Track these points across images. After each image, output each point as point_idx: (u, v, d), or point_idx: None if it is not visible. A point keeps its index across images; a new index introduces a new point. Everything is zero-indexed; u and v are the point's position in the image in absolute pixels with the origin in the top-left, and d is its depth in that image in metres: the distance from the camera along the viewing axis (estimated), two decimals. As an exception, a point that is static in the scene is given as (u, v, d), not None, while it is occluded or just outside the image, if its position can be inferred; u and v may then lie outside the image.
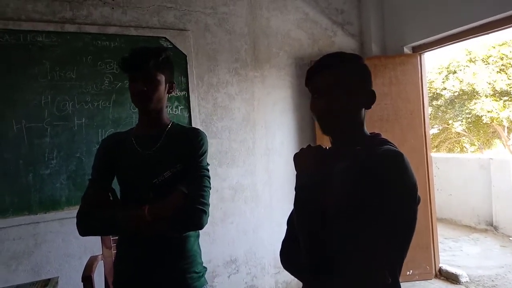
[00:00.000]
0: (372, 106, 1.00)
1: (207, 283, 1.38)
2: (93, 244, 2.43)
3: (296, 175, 1.01)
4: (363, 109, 0.99)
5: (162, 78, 1.29)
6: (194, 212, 1.22)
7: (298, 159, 1.02)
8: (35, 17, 2.46)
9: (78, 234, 2.53)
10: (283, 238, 1.08)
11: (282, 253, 1.07)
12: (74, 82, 2.54)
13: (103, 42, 2.63)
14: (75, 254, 2.51)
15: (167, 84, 1.33)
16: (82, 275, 1.95)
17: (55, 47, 2.49)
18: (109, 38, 2.64)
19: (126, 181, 1.34)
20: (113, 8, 2.68)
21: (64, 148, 2.51)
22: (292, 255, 1.02)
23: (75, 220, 2.55)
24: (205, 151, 1.33)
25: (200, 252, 1.39)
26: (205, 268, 1.39)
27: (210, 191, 1.29)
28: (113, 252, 2.17)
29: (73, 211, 2.47)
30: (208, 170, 1.32)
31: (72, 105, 2.54)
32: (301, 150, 1.03)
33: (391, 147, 0.93)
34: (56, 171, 2.48)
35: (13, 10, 2.41)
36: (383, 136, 1.01)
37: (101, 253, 2.18)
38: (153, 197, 1.24)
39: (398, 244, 0.88)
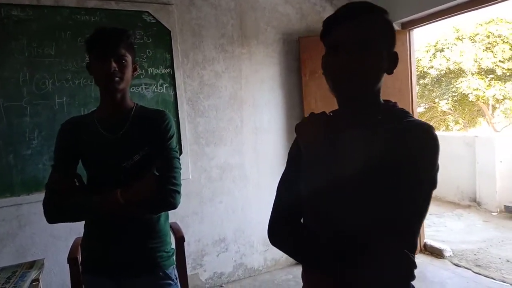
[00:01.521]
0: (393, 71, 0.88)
1: (175, 263, 1.40)
2: (79, 225, 2.37)
3: (303, 148, 0.90)
4: (388, 73, 0.87)
5: (129, 59, 1.28)
6: (167, 193, 1.23)
7: (303, 129, 0.91)
8: (9, -11, 2.32)
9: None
10: (271, 211, 1.01)
11: (273, 231, 0.98)
12: (53, 58, 2.44)
13: (83, 17, 2.51)
14: (60, 235, 2.47)
15: (133, 66, 1.32)
16: (68, 256, 1.92)
17: (31, 22, 2.37)
18: (89, 12, 2.53)
19: (93, 165, 1.32)
20: (92, -20, 2.55)
21: (45, 128, 2.43)
22: (286, 234, 0.94)
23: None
24: (173, 134, 1.33)
25: (170, 233, 1.41)
26: (173, 249, 1.41)
27: (181, 171, 1.31)
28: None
29: (57, 192, 2.42)
30: (177, 152, 1.33)
31: (52, 83, 2.44)
32: (304, 119, 0.92)
33: (417, 119, 0.85)
34: (38, 151, 2.41)
35: (-15, -18, 2.27)
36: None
37: (87, 234, 2.15)
38: (124, 181, 1.23)
39: (413, 229, 0.82)
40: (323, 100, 3.24)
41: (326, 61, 0.86)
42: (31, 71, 2.38)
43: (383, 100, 0.91)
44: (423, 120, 0.93)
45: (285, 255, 3.31)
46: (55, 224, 2.49)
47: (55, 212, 1.27)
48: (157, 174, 1.23)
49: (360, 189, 0.79)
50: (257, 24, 3.14)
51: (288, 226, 0.94)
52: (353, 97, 0.85)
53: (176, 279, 1.38)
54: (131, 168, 1.26)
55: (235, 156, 3.12)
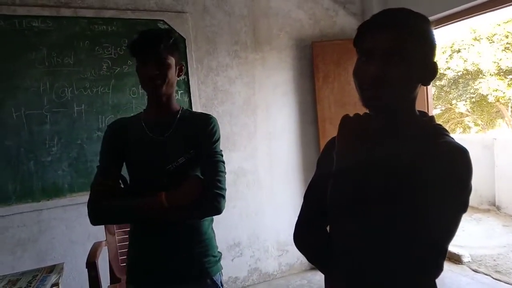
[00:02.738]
0: (430, 82, 0.84)
1: (222, 268, 1.36)
2: (97, 230, 2.44)
3: (337, 153, 0.85)
4: (423, 84, 0.83)
5: (172, 61, 1.26)
6: (213, 197, 1.20)
7: (346, 128, 0.85)
8: (30, 1, 2.41)
9: (81, 220, 2.55)
10: (298, 216, 0.98)
11: (298, 237, 0.96)
12: (72, 68, 2.51)
13: (100, 27, 2.58)
14: (79, 240, 2.53)
15: (177, 67, 1.30)
16: (87, 261, 1.97)
17: (51, 32, 2.45)
18: (106, 22, 2.59)
19: (138, 167, 1.30)
20: (109, -9, 2.62)
21: (64, 135, 2.50)
22: (311, 241, 0.93)
23: (77, 207, 2.57)
24: (219, 137, 1.31)
25: (215, 235, 1.37)
26: (220, 253, 1.37)
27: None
28: (116, 238, 2.18)
29: (76, 198, 2.50)
30: (222, 156, 1.30)
31: (71, 91, 2.51)
32: (350, 118, 0.85)
33: (453, 140, 0.80)
34: (57, 158, 2.48)
35: (7, -5, 2.36)
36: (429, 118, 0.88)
37: (105, 239, 2.20)
38: (167, 184, 1.22)
39: (438, 253, 0.79)
40: (336, 105, 3.24)
41: (356, 67, 0.84)
42: (51, 80, 2.45)
43: (419, 111, 0.87)
44: (439, 122, 0.89)
45: (299, 260, 3.31)
46: (74, 230, 2.57)
47: (99, 214, 1.25)
48: (202, 177, 1.22)
49: (385, 207, 0.77)
50: (270, 30, 3.17)
51: (311, 234, 0.93)
52: (378, 107, 0.82)
53: (222, 286, 1.34)
54: (175, 171, 1.24)
55: (249, 161, 3.14)
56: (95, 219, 1.26)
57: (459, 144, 0.77)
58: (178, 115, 1.32)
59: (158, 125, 1.30)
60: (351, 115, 0.86)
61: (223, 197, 1.22)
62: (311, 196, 0.97)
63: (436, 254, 0.77)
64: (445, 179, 0.73)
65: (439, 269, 0.78)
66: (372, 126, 0.83)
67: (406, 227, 0.74)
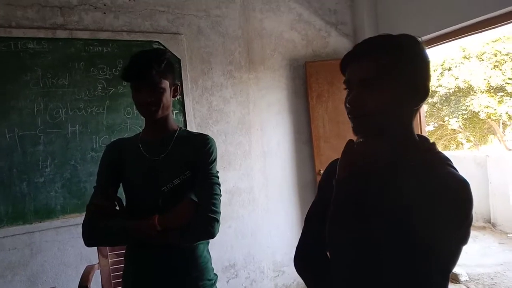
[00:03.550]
0: (422, 104, 0.83)
1: None
2: (90, 253, 2.40)
3: (338, 181, 0.84)
4: (414, 110, 0.82)
5: (166, 84, 1.24)
6: (206, 221, 1.19)
7: (349, 158, 0.84)
8: (25, 23, 2.43)
9: (73, 242, 2.50)
10: (299, 240, 0.97)
11: (299, 261, 0.95)
12: (66, 88, 2.51)
13: (96, 48, 2.60)
14: (71, 263, 2.48)
15: (172, 88, 1.28)
16: (79, 284, 1.93)
17: (46, 54, 2.46)
18: (102, 43, 2.62)
19: (133, 188, 1.30)
20: (104, 13, 2.65)
21: (58, 156, 2.48)
22: (312, 262, 0.91)
23: (70, 228, 2.53)
24: (215, 158, 1.29)
25: (211, 258, 1.36)
26: (216, 275, 1.35)
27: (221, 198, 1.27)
28: (109, 261, 2.14)
29: (69, 220, 2.47)
30: (218, 178, 1.28)
31: (65, 112, 2.51)
32: (358, 143, 0.85)
33: (455, 171, 0.77)
34: (51, 179, 2.45)
35: (3, 17, 2.38)
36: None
37: (98, 262, 2.16)
38: (162, 205, 1.21)
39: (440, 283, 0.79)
40: (330, 123, 3.26)
41: (345, 98, 0.84)
42: (46, 101, 2.45)
43: (419, 136, 0.86)
44: (431, 139, 0.86)
45: (296, 281, 3.26)
46: (66, 253, 2.52)
47: (92, 235, 1.23)
48: (195, 200, 1.21)
49: (385, 242, 0.76)
50: (263, 50, 3.21)
51: (312, 259, 0.92)
52: (364, 136, 0.83)
53: None
54: (170, 193, 1.23)
55: (244, 180, 3.13)
56: (88, 240, 1.24)
57: (461, 176, 0.75)
58: (175, 135, 1.31)
59: (154, 146, 1.29)
60: (355, 140, 0.85)
61: (217, 221, 1.20)
62: (312, 221, 0.96)
63: (437, 282, 0.77)
64: (446, 212, 0.72)
65: None
66: (372, 156, 0.83)
67: (406, 259, 0.73)
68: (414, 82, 0.80)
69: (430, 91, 0.82)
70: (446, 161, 0.80)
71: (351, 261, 0.81)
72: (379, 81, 0.78)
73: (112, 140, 1.40)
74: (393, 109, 0.79)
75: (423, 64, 0.81)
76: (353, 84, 0.82)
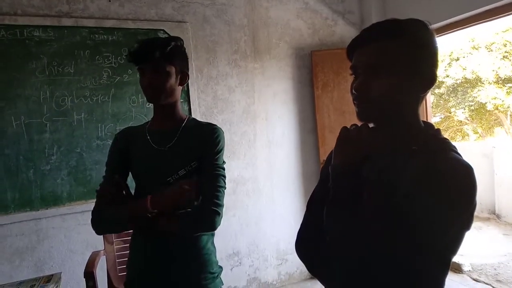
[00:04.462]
0: (428, 91, 0.82)
1: (223, 284, 1.33)
2: (95, 239, 2.43)
3: (333, 166, 0.84)
4: (420, 96, 0.81)
5: (172, 69, 1.21)
6: (208, 213, 1.17)
7: (343, 144, 0.84)
8: (31, 11, 2.43)
9: (80, 229, 2.54)
10: (300, 224, 0.97)
11: (300, 245, 0.96)
12: (72, 76, 2.52)
13: (101, 36, 2.59)
14: (77, 249, 2.51)
15: (179, 75, 1.25)
16: (84, 270, 1.96)
17: (52, 42, 2.47)
18: (107, 31, 2.61)
19: (139, 177, 1.29)
20: (110, 1, 2.64)
21: (64, 144, 2.50)
22: (311, 250, 0.93)
23: (76, 216, 2.57)
24: (222, 149, 1.26)
25: (215, 250, 1.33)
26: (220, 268, 1.33)
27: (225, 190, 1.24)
28: (115, 247, 2.17)
29: (75, 207, 2.50)
30: (223, 169, 1.26)
31: (71, 100, 2.52)
32: (347, 132, 0.85)
33: (458, 156, 0.77)
34: (57, 166, 2.48)
35: (9, 5, 2.37)
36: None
37: (103, 248, 2.19)
38: None
39: (442, 270, 0.79)
40: (336, 113, 3.25)
41: (351, 85, 0.84)
42: (52, 89, 2.46)
43: (424, 122, 0.85)
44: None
45: (299, 269, 3.29)
46: (72, 239, 2.55)
47: (99, 222, 1.23)
48: (194, 180, 1.19)
49: (385, 223, 0.75)
50: (269, 39, 3.19)
51: (312, 244, 0.92)
52: (368, 121, 0.83)
53: None
54: (176, 183, 1.21)
55: (248, 169, 3.14)
56: (97, 228, 1.25)
57: (465, 161, 0.75)
58: (183, 125, 1.29)
59: (161, 135, 1.27)
60: (349, 126, 0.85)
61: (219, 214, 1.18)
62: (313, 206, 0.96)
63: (438, 268, 0.77)
64: (448, 198, 0.71)
65: (441, 284, 0.78)
66: (372, 139, 0.82)
67: (406, 240, 0.72)
68: (421, 69, 0.78)
69: (437, 79, 0.81)
70: (450, 147, 0.79)
71: (347, 247, 0.81)
72: (385, 67, 0.77)
73: (121, 128, 1.39)
74: (398, 95, 0.79)
75: (431, 51, 0.79)
76: (359, 70, 0.81)
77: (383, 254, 0.74)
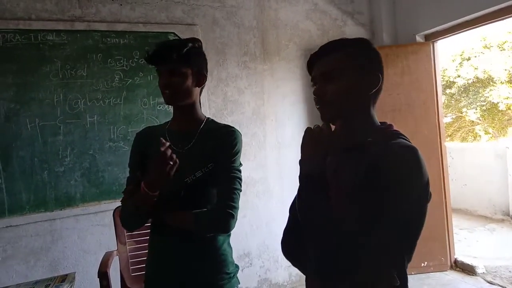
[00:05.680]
0: (377, 92, 0.95)
1: (239, 283, 1.33)
2: (109, 239, 2.47)
3: (301, 161, 0.95)
4: (369, 96, 0.95)
5: (188, 71, 1.22)
6: (222, 215, 1.18)
7: (307, 141, 0.95)
8: (45, 16, 2.48)
9: (93, 230, 2.57)
10: (284, 227, 1.08)
11: (283, 243, 1.07)
12: (85, 80, 2.56)
13: (113, 39, 2.64)
14: (90, 249, 2.55)
15: (196, 77, 1.25)
16: (98, 270, 1.99)
17: (65, 46, 2.51)
18: (118, 35, 2.65)
19: None
20: (121, 4, 2.68)
21: (77, 146, 2.54)
22: (292, 246, 1.04)
23: (89, 216, 2.61)
24: (238, 151, 1.27)
25: (231, 251, 1.34)
26: (237, 267, 1.34)
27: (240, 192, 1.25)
28: (128, 247, 2.20)
29: (88, 208, 2.53)
30: (240, 171, 1.27)
31: (83, 102, 2.56)
32: (311, 131, 0.95)
33: (404, 141, 0.90)
34: (70, 168, 2.52)
35: (23, 10, 2.43)
36: (396, 127, 0.97)
37: (116, 248, 2.22)
38: (185, 196, 1.21)
39: (407, 243, 0.87)
40: (346, 114, 3.24)
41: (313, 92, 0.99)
42: (65, 92, 2.51)
43: (381, 122, 0.99)
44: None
45: (310, 271, 3.28)
46: (86, 239, 2.59)
47: (123, 219, 1.27)
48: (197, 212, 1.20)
49: (345, 216, 0.84)
50: (278, 41, 3.20)
51: (293, 240, 1.04)
52: (328, 121, 0.95)
53: None
54: (193, 184, 1.22)
55: (258, 171, 3.15)
56: (123, 225, 1.29)
57: (409, 143, 0.88)
58: (201, 127, 1.29)
59: (180, 137, 1.28)
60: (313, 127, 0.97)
61: (233, 216, 1.19)
62: (293, 205, 1.06)
63: (405, 244, 0.86)
64: (398, 174, 0.82)
65: (406, 259, 0.87)
66: (331, 137, 0.93)
67: (371, 219, 0.80)
68: (366, 73, 0.94)
69: (382, 80, 0.95)
70: (399, 135, 0.93)
71: (317, 238, 0.89)
72: (335, 74, 0.92)
73: (133, 130, 1.41)
74: (349, 96, 0.93)
75: (374, 58, 0.96)
76: (316, 79, 0.96)
77: (349, 233, 0.82)
